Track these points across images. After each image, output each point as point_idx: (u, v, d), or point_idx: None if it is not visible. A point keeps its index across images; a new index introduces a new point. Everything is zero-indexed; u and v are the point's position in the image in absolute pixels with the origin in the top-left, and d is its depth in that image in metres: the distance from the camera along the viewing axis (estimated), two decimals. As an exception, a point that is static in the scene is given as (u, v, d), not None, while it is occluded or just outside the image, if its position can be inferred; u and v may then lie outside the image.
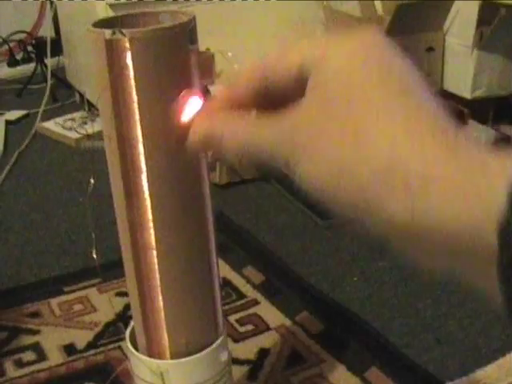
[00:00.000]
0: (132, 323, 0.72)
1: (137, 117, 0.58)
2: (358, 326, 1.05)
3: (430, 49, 1.73)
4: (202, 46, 1.78)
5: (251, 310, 1.11)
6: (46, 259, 1.31)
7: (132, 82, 0.57)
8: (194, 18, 0.59)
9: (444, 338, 1.03)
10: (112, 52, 0.56)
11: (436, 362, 0.98)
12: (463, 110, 1.47)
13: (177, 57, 0.58)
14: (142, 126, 0.58)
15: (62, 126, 1.97)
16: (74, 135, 1.90)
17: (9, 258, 1.32)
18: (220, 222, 1.38)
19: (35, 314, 1.13)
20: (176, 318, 0.68)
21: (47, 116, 2.07)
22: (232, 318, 1.09)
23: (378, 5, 1.69)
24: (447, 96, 1.71)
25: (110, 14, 1.72)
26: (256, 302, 1.13)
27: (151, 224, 0.63)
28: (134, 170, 0.61)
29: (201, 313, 0.69)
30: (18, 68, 2.59)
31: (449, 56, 1.75)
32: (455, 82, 1.74)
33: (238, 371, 0.97)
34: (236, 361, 0.99)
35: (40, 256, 1.32)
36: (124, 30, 0.55)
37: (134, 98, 0.57)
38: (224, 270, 1.23)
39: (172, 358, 0.69)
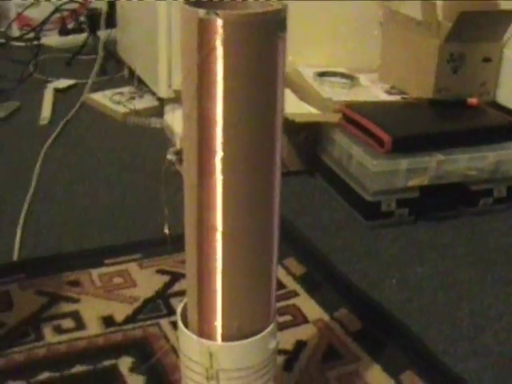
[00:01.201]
0: (184, 301, 0.73)
1: (220, 99, 0.58)
2: (395, 328, 1.05)
3: (487, 59, 1.72)
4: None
5: (290, 301, 1.11)
6: (87, 230, 1.32)
7: (220, 64, 0.57)
8: (286, 7, 0.59)
9: (480, 349, 1.03)
10: (204, 32, 0.56)
11: (471, 372, 0.98)
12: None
13: (266, 43, 0.58)
14: (223, 109, 0.59)
15: (109, 99, 1.98)
16: (121, 109, 1.91)
17: (51, 227, 1.33)
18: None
19: (75, 283, 1.14)
20: (232, 302, 0.68)
21: (95, 87, 2.09)
22: (270, 307, 1.09)
23: (439, 10, 1.68)
24: (497, 108, 1.70)
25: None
26: (295, 294, 1.13)
27: (220, 206, 0.63)
28: (211, 151, 0.61)
29: (256, 299, 0.70)
30: (69, 37, 2.61)
31: (505, 68, 1.73)
32: (508, 95, 1.72)
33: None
34: (272, 350, 0.99)
35: (82, 227, 1.33)
36: (218, 11, 0.55)
37: (220, 80, 0.58)
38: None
39: (223, 340, 0.70)
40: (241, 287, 0.68)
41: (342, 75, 1.84)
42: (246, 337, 0.70)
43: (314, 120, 1.50)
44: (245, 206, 0.64)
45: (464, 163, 1.38)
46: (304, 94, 1.69)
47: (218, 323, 0.69)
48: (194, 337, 0.71)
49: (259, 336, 0.70)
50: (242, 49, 0.57)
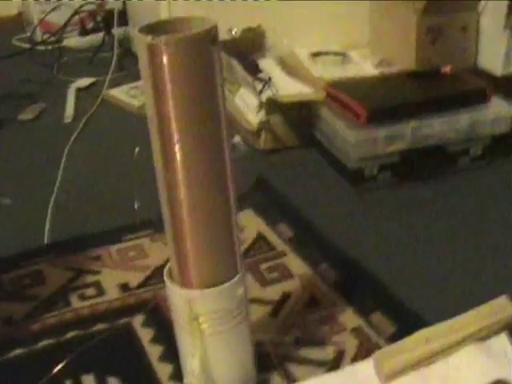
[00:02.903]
0: (169, 262, 0.91)
1: (171, 102, 0.76)
2: (368, 278, 1.22)
3: (465, 28, 1.86)
4: (254, 22, 1.96)
5: (279, 261, 1.29)
6: (106, 213, 1.51)
7: (167, 76, 0.75)
8: (216, 26, 0.76)
9: (445, 295, 1.18)
10: (152, 52, 0.74)
11: (435, 315, 1.11)
12: (485, 87, 1.60)
13: (202, 55, 0.75)
14: (174, 109, 0.77)
15: (126, 94, 2.17)
16: (136, 103, 2.10)
17: (76, 212, 1.52)
18: (259, 184, 1.57)
19: (97, 258, 1.34)
20: (201, 257, 0.87)
21: (114, 84, 2.27)
22: (262, 267, 1.27)
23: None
24: (479, 73, 1.84)
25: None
26: (284, 254, 1.31)
27: (182, 182, 0.81)
28: (170, 142, 0.79)
29: (222, 254, 0.88)
30: (89, 37, 2.80)
31: (482, 35, 1.87)
32: (487, 60, 1.86)
33: (263, 310, 1.15)
34: (262, 301, 1.17)
35: (103, 211, 1.52)
36: (161, 37, 0.73)
37: (169, 87, 0.76)
38: (260, 225, 1.41)
39: (198, 288, 0.88)
40: (207, 246, 0.86)
41: (335, 53, 2.00)
42: (217, 285, 0.88)
43: (300, 99, 1.67)
44: (201, 181, 0.81)
45: (438, 127, 1.54)
46: (299, 75, 1.85)
47: (192, 275, 0.87)
48: (176, 287, 0.89)
49: (228, 284, 0.88)
50: (183, 62, 0.74)
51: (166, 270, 0.92)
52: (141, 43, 0.75)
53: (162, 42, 0.73)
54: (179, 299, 0.89)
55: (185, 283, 0.89)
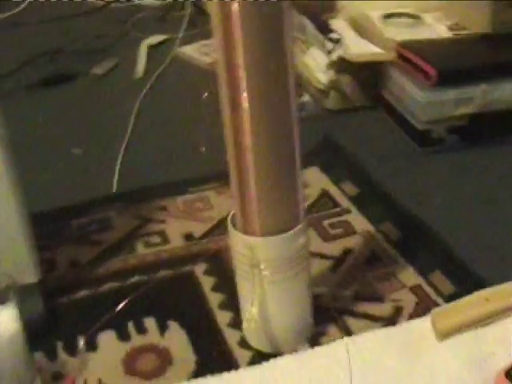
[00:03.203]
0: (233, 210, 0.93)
1: (240, 50, 0.77)
2: (430, 238, 1.21)
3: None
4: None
5: (343, 217, 1.29)
6: (176, 165, 1.53)
7: (238, 25, 0.76)
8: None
9: (507, 258, 1.17)
10: (223, 3, 0.75)
11: (495, 277, 1.11)
12: None
13: (273, 9, 0.76)
14: (244, 57, 0.78)
15: (197, 51, 2.19)
16: (207, 59, 2.11)
17: (145, 163, 1.56)
18: (326, 143, 1.57)
19: (163, 208, 1.36)
20: (265, 205, 0.88)
21: (185, 41, 2.29)
22: (326, 223, 1.28)
23: None
24: None
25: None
26: (348, 211, 1.31)
27: (249, 129, 0.82)
28: (237, 89, 0.80)
29: (285, 203, 0.89)
30: (162, -5, 2.82)
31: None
32: None
33: (324, 264, 1.16)
34: (323, 256, 1.18)
35: (171, 162, 1.55)
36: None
37: (239, 35, 0.77)
38: (325, 182, 1.42)
39: (261, 235, 0.89)
40: (271, 194, 0.87)
41: (408, 15, 1.97)
42: (279, 233, 0.89)
43: (370, 59, 1.65)
44: (267, 127, 0.82)
45: (509, 91, 1.51)
46: (370, 36, 1.83)
47: (256, 222, 0.89)
48: (239, 234, 0.91)
49: (290, 232, 0.90)
50: (253, 13, 0.75)
51: (229, 217, 0.93)
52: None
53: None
54: (241, 246, 0.91)
55: (247, 230, 0.90)
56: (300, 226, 0.91)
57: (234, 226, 0.92)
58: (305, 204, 0.93)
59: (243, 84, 0.79)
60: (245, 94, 0.80)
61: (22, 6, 2.79)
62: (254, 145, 0.83)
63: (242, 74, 0.79)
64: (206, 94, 0.92)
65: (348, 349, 0.92)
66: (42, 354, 1.01)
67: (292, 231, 0.90)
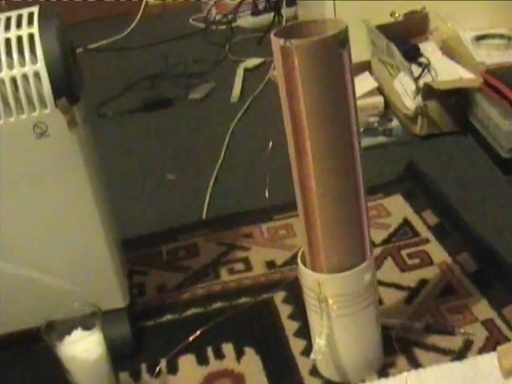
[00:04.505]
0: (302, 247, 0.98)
1: (302, 100, 0.82)
2: (506, 270, 1.22)
3: None
4: (418, 5, 1.96)
5: (421, 247, 1.31)
6: (261, 193, 1.58)
7: (298, 76, 0.81)
8: (347, 28, 0.81)
9: None
10: (284, 55, 0.80)
11: None
12: None
13: (331, 58, 0.80)
14: (305, 106, 0.82)
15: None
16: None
17: (234, 191, 1.62)
18: (410, 170, 1.59)
19: (248, 235, 1.42)
20: (331, 243, 0.93)
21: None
22: (404, 252, 1.30)
23: None
24: None
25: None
26: (427, 241, 1.33)
27: (313, 174, 0.87)
28: (302, 137, 0.85)
29: (350, 241, 0.94)
30: (260, 17, 2.89)
31: None
32: None
33: (399, 295, 1.19)
34: (398, 286, 1.21)
35: (257, 190, 1.60)
36: (292, 40, 0.79)
37: (300, 86, 0.82)
38: (406, 211, 1.44)
39: (328, 272, 0.94)
40: (337, 233, 0.92)
41: (501, 36, 1.95)
42: (345, 270, 0.94)
43: (456, 86, 1.66)
44: (331, 172, 0.87)
45: None
46: (460, 59, 1.84)
47: (323, 260, 0.94)
48: (308, 271, 0.96)
49: (355, 269, 0.94)
50: (312, 65, 0.80)
51: (299, 254, 0.98)
52: (275, 46, 0.81)
53: (293, 45, 0.79)
54: (310, 282, 0.96)
55: (315, 267, 0.95)
56: (366, 263, 0.95)
57: (304, 262, 0.97)
58: (370, 239, 0.96)
59: (306, 132, 0.84)
60: (309, 142, 0.85)
61: (126, 31, 2.94)
62: (318, 188, 0.88)
63: (304, 122, 0.84)
64: (271, 144, 0.97)
65: (408, 383, 0.95)
66: (128, 374, 1.09)
67: (358, 268, 0.94)
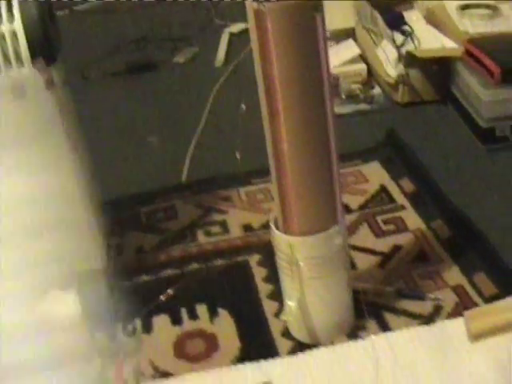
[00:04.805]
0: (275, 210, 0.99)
1: (275, 63, 0.83)
2: (479, 239, 1.23)
3: None
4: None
5: (397, 214, 1.33)
6: (244, 156, 1.59)
7: (271, 39, 0.81)
8: (321, -7, 0.81)
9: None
10: (258, 18, 0.80)
11: None
12: None
13: (304, 22, 0.81)
14: (278, 69, 0.83)
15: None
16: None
17: (215, 153, 1.63)
18: (390, 138, 1.60)
19: (227, 199, 1.43)
20: (303, 206, 0.94)
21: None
22: (379, 218, 1.32)
23: None
24: None
25: None
26: (403, 208, 1.35)
27: (285, 136, 0.88)
28: (274, 99, 0.86)
29: (322, 204, 0.95)
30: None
31: None
32: None
33: (373, 260, 1.21)
34: (372, 252, 1.23)
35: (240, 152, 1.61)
36: (265, 3, 0.79)
37: (273, 49, 0.82)
38: (384, 178, 1.45)
39: (299, 235, 0.95)
40: (308, 195, 0.93)
41: (486, 6, 1.95)
42: (317, 233, 0.95)
43: (438, 55, 1.67)
44: (302, 133, 0.88)
45: None
46: (444, 29, 1.84)
47: (295, 223, 0.95)
48: (279, 233, 0.97)
49: (326, 232, 0.95)
50: (285, 27, 0.81)
51: (271, 217, 1.00)
52: (249, 9, 0.81)
53: (266, 8, 0.79)
54: (282, 244, 0.97)
55: (287, 230, 0.96)
56: (337, 226, 0.96)
57: (276, 225, 0.99)
58: (342, 203, 0.98)
59: (279, 94, 0.85)
60: (281, 104, 0.86)
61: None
62: (291, 150, 0.89)
63: (277, 85, 0.85)
64: (243, 106, 0.98)
65: (375, 346, 0.97)
66: (103, 334, 1.11)
67: (328, 231, 0.95)
